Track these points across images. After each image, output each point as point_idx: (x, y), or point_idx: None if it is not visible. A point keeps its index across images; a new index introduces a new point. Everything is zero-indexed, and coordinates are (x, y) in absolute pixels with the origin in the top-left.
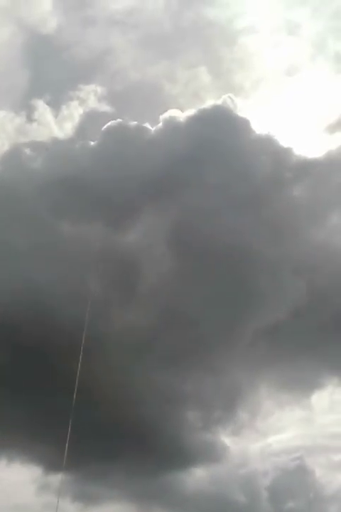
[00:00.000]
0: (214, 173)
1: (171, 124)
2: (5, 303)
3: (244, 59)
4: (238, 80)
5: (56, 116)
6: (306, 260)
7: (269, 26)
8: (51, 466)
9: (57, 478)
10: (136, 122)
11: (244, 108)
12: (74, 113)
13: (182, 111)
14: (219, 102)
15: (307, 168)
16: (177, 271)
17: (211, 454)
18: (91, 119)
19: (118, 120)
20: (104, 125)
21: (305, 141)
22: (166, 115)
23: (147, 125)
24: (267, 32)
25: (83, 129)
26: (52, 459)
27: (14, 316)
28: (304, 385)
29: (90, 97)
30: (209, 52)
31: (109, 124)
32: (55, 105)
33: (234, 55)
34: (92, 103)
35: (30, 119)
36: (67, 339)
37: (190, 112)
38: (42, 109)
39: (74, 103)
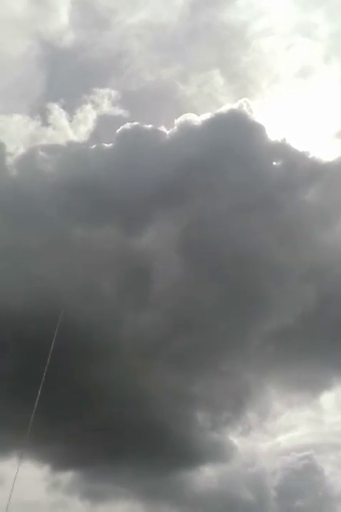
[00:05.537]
0: (227, 178)
1: (186, 128)
2: (17, 305)
3: (258, 61)
4: (251, 82)
5: (70, 119)
6: (316, 264)
7: (284, 28)
8: (59, 464)
9: (65, 477)
10: (151, 126)
11: (257, 110)
12: (88, 116)
13: (197, 114)
14: (235, 106)
15: (319, 172)
16: (188, 275)
17: (220, 453)
18: (105, 123)
19: (134, 123)
20: (118, 128)
21: (318, 145)
22: (182, 119)
23: (162, 128)
24: (281, 34)
25: (97, 133)
26: (60, 458)
27: (25, 318)
28: (313, 385)
29: (104, 101)
30: (223, 54)
31: (123, 127)
32: (70, 109)
33: (248, 58)
34: (106, 107)
35: (45, 122)
36: (78, 341)
37: (206, 116)
38: (57, 112)
39: (89, 107)
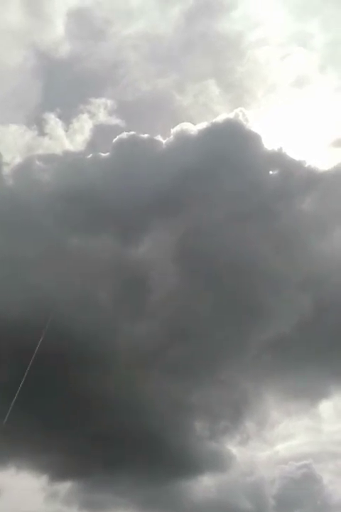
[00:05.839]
0: (223, 187)
1: (182, 138)
2: (13, 314)
3: (253, 71)
4: (247, 92)
5: (67, 129)
6: (312, 273)
7: (279, 38)
8: (57, 474)
9: (63, 487)
10: (147, 135)
11: (253, 120)
12: (84, 126)
13: (193, 123)
14: (231, 115)
15: (315, 181)
16: (184, 284)
17: (218, 463)
18: (101, 132)
19: (131, 133)
20: (114, 138)
21: (314, 154)
22: (178, 128)
23: (158, 138)
24: (276, 44)
25: (94, 142)
26: (58, 468)
27: (21, 327)
28: (311, 394)
29: (100, 110)
30: (219, 64)
31: (119, 136)
32: (66, 118)
33: (243, 68)
34: (103, 116)
35: (41, 132)
36: (74, 350)
37: (202, 125)
38: (53, 122)
39: (85, 116)
